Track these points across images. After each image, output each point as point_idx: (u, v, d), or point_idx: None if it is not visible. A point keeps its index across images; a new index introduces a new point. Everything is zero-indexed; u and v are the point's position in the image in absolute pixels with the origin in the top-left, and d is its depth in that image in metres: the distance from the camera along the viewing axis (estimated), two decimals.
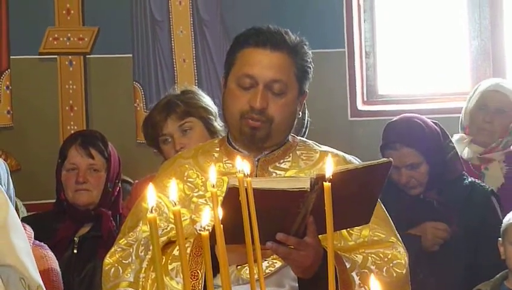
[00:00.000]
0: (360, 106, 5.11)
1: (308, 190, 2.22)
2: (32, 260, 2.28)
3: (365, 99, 5.16)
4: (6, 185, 3.33)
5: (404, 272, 2.62)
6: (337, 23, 4.99)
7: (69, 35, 5.05)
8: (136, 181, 3.88)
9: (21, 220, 2.72)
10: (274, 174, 2.68)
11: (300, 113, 2.76)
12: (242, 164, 1.87)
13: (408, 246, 2.73)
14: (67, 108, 5.04)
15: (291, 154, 2.72)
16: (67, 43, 5.05)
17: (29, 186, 4.62)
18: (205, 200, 2.66)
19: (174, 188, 1.69)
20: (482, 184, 3.82)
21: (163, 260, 2.56)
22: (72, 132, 4.70)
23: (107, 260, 2.67)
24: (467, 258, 3.63)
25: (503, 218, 3.47)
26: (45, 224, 3.66)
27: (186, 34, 5.07)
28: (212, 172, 1.80)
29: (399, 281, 2.61)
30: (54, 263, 3.29)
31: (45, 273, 3.22)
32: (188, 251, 2.51)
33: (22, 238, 2.28)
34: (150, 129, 3.71)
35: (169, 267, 2.55)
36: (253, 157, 2.69)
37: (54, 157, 3.90)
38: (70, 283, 3.55)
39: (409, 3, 5.26)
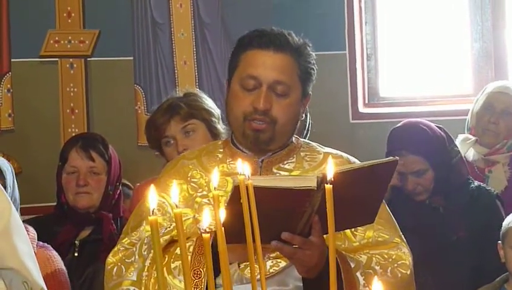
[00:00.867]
0: (362, 109, 5.10)
1: (315, 188, 2.22)
2: (35, 263, 2.28)
3: (367, 101, 5.15)
4: (11, 187, 3.33)
5: (408, 272, 2.62)
6: (339, 26, 4.99)
7: (70, 38, 5.05)
8: (138, 184, 3.87)
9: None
10: (278, 175, 2.67)
11: (303, 115, 2.76)
12: (243, 167, 1.87)
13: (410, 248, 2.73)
14: (68, 111, 5.03)
15: (295, 156, 2.72)
16: (68, 46, 5.05)
17: (30, 189, 4.62)
18: (208, 200, 2.66)
19: (175, 190, 1.69)
20: (488, 188, 3.81)
21: (166, 258, 2.56)
22: (73, 134, 4.70)
23: (110, 259, 2.68)
24: (470, 263, 3.62)
25: None
26: (46, 227, 3.65)
27: (187, 36, 5.06)
28: (215, 175, 1.80)
29: (403, 282, 2.61)
30: (60, 263, 3.30)
31: (53, 275, 3.22)
32: (191, 249, 2.51)
33: (24, 241, 2.27)
34: (152, 131, 3.71)
35: (172, 265, 2.55)
36: (257, 158, 2.70)
37: (54, 160, 3.90)
38: (71, 286, 3.54)
39: (411, 5, 5.26)
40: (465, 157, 4.18)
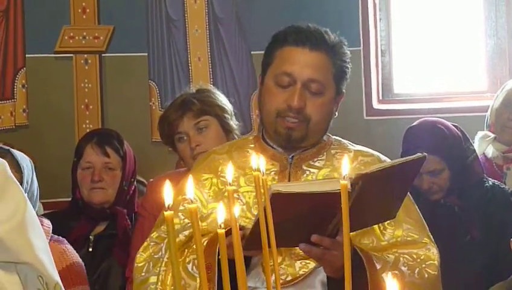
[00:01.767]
0: (376, 105, 5.09)
1: (350, 190, 2.22)
2: (50, 258, 2.29)
3: (381, 98, 5.15)
4: (28, 183, 3.34)
5: (436, 273, 2.61)
6: (353, 22, 4.98)
7: (84, 33, 5.06)
8: (151, 180, 3.88)
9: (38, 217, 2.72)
10: (307, 172, 2.68)
11: (336, 113, 2.75)
12: (258, 161, 1.87)
13: None
14: (82, 106, 5.05)
15: (325, 153, 2.71)
16: (83, 42, 5.06)
17: (44, 184, 4.61)
18: (238, 195, 2.65)
19: (190, 185, 1.69)
20: (502, 186, 3.80)
21: (185, 252, 2.56)
22: (88, 130, 4.71)
23: (140, 255, 2.68)
24: (483, 261, 3.60)
25: None
26: (61, 222, 3.66)
27: (202, 32, 5.07)
28: (230, 171, 1.80)
29: (430, 283, 2.60)
30: (75, 256, 3.30)
31: (68, 268, 3.23)
32: (205, 243, 2.52)
33: (39, 236, 2.28)
34: (165, 127, 3.71)
35: (187, 259, 2.55)
36: (287, 154, 2.69)
37: (69, 155, 3.91)
38: None
39: (425, 2, 5.25)
40: (484, 154, 4.17)
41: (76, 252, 3.48)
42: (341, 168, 2.64)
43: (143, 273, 2.64)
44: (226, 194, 2.67)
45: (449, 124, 3.76)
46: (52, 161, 4.89)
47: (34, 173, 3.39)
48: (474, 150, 3.77)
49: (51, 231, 3.26)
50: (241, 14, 5.04)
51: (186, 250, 2.58)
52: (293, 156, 2.69)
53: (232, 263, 1.67)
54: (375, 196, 2.34)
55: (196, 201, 2.69)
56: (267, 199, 1.88)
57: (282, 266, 2.57)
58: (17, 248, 2.19)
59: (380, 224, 2.61)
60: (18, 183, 2.27)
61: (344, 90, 2.73)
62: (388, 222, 2.60)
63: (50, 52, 5.03)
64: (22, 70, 5.01)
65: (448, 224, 3.63)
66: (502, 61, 5.13)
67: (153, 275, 2.62)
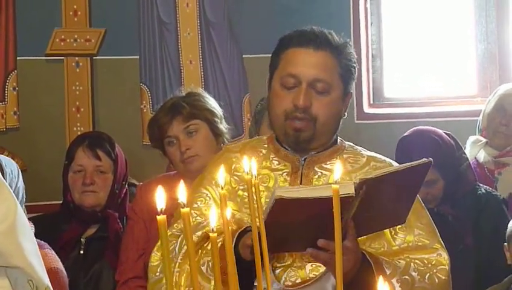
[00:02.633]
0: (367, 109, 5.10)
1: (354, 195, 2.23)
2: (40, 261, 2.29)
3: (371, 102, 5.16)
4: (13, 187, 3.33)
5: (446, 278, 2.62)
6: (344, 26, 4.98)
7: (76, 36, 5.06)
8: (141, 183, 3.88)
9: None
10: (319, 173, 2.68)
11: (346, 114, 2.75)
12: (250, 164, 1.88)
13: None
14: (73, 109, 5.04)
15: (338, 157, 2.70)
16: (74, 45, 5.06)
17: (35, 187, 4.62)
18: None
19: (222, 174, 1.73)
20: (494, 193, 3.80)
21: (200, 253, 2.56)
22: (79, 133, 4.71)
23: (155, 253, 2.68)
24: (475, 269, 3.60)
25: None
26: (52, 225, 3.67)
27: (193, 36, 5.07)
28: (221, 173, 1.81)
29: (441, 288, 2.60)
30: (56, 261, 3.27)
31: (49, 273, 3.21)
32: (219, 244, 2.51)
33: (30, 239, 2.28)
34: (155, 131, 3.71)
35: (201, 261, 2.55)
36: (299, 156, 2.70)
37: (60, 158, 3.91)
38: (76, 284, 3.55)
39: (416, 7, 5.26)
40: (476, 158, 4.18)
41: (68, 254, 3.49)
42: (353, 172, 2.66)
43: (157, 273, 2.64)
44: (239, 193, 2.68)
45: (442, 132, 3.75)
46: (43, 163, 4.88)
47: (21, 179, 3.37)
48: (467, 158, 3.77)
49: (33, 234, 3.24)
50: (232, 18, 5.05)
51: (200, 251, 2.57)
52: (305, 158, 2.70)
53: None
54: (381, 201, 2.34)
55: (209, 200, 2.69)
56: (259, 202, 1.88)
57: (293, 267, 2.58)
58: (8, 251, 2.19)
59: (392, 229, 2.61)
60: (9, 186, 2.27)
61: (352, 91, 2.74)
62: (400, 226, 2.60)
63: (41, 55, 5.02)
64: (13, 72, 5.01)
65: (441, 233, 3.64)
66: (492, 65, 5.15)
67: None
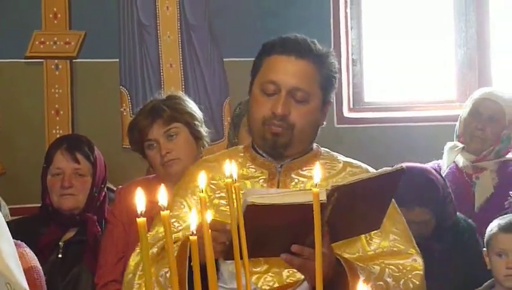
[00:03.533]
0: (347, 113, 5.12)
1: (325, 201, 2.24)
2: (18, 263, 2.27)
3: (351, 106, 5.17)
4: None
5: (420, 283, 2.63)
6: (324, 31, 5.00)
7: (55, 39, 5.04)
8: (120, 187, 3.86)
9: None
10: (296, 180, 2.70)
11: (324, 122, 2.77)
12: (230, 168, 1.88)
13: None
14: (53, 112, 5.02)
15: (314, 163, 2.72)
16: (54, 47, 5.04)
17: (14, 190, 4.61)
18: (226, 201, 2.65)
19: (203, 178, 1.75)
20: (471, 223, 3.80)
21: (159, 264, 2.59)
22: (58, 136, 4.69)
23: (131, 263, 2.72)
24: (459, 282, 3.62)
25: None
26: (30, 228, 3.64)
27: (174, 38, 5.06)
28: (202, 178, 1.81)
29: None
30: (34, 260, 3.25)
31: (27, 272, 3.19)
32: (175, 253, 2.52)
33: (7, 241, 2.27)
34: (135, 134, 3.70)
35: (160, 272, 2.56)
36: (276, 163, 2.71)
37: (39, 161, 3.89)
38: (55, 287, 3.53)
39: (396, 12, 5.28)
40: (455, 163, 4.20)
41: (46, 258, 3.46)
42: (330, 178, 2.67)
43: (130, 275, 2.69)
44: (214, 201, 2.71)
45: (433, 171, 3.75)
46: (22, 166, 4.86)
47: None
48: (450, 193, 3.75)
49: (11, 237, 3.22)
50: (213, 21, 5.04)
51: (158, 262, 2.58)
52: (282, 165, 2.72)
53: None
54: (355, 207, 2.35)
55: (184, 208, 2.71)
56: (239, 207, 1.89)
57: (270, 273, 2.59)
58: None
59: (367, 234, 2.62)
60: None
61: (331, 100, 2.76)
62: (375, 232, 2.61)
63: (20, 57, 5.00)
64: None
65: (428, 269, 3.62)
66: (471, 71, 5.17)
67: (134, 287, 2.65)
